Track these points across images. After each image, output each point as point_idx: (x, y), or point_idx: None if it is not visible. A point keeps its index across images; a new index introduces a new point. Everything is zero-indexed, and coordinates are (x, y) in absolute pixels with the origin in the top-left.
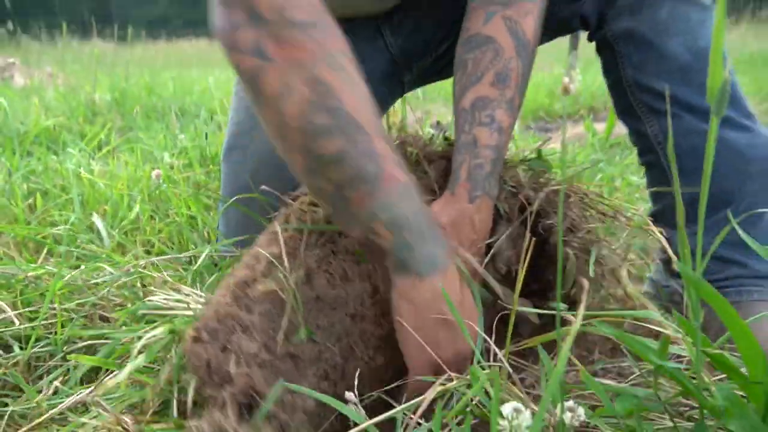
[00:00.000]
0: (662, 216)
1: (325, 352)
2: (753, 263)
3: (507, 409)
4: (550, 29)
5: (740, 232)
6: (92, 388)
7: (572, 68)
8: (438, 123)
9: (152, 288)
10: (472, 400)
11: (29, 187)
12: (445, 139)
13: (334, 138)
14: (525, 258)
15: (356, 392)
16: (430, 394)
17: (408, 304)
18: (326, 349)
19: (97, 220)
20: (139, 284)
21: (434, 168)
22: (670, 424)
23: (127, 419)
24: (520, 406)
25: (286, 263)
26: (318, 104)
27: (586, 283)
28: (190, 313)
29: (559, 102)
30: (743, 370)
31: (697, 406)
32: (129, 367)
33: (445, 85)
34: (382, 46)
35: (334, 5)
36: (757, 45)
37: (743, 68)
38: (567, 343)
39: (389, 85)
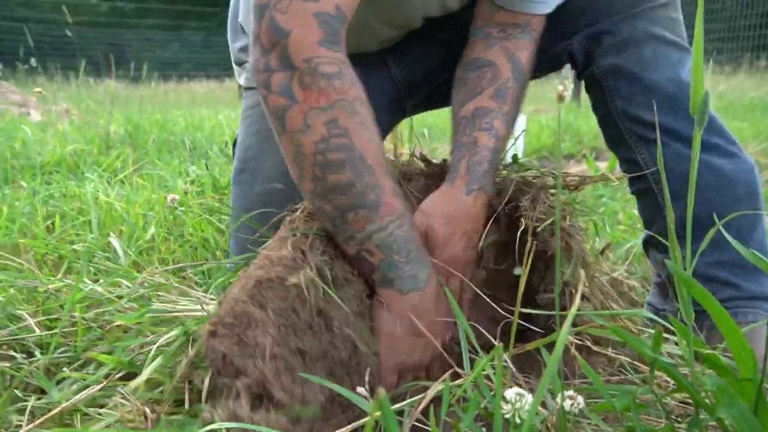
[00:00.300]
0: (655, 241)
1: (331, 350)
2: (747, 285)
3: (510, 393)
4: (542, 64)
5: (739, 248)
6: (104, 382)
7: (565, 78)
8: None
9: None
10: (473, 390)
11: (48, 211)
12: (423, 159)
13: (344, 171)
14: (527, 262)
15: (368, 386)
16: (432, 391)
17: (387, 314)
18: (332, 346)
19: (113, 240)
20: (155, 297)
21: (413, 185)
22: (666, 422)
23: (146, 409)
24: (522, 391)
25: (309, 260)
26: (332, 142)
27: (582, 273)
28: (202, 314)
29: (563, 143)
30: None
31: (691, 403)
32: (148, 370)
33: (450, 126)
34: (386, 76)
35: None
36: (756, 93)
37: (742, 114)
38: (565, 325)
39: (392, 111)
